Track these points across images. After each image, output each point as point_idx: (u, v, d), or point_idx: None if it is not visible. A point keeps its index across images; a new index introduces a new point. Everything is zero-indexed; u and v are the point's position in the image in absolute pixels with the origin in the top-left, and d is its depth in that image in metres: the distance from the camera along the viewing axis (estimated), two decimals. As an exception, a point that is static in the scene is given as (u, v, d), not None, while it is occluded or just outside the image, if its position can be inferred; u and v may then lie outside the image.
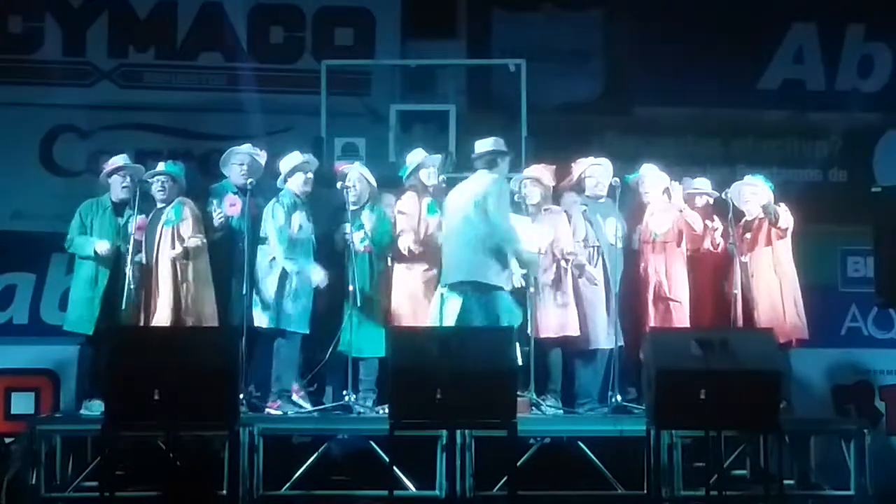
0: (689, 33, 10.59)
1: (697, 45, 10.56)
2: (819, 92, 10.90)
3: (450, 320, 8.49)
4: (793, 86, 10.90)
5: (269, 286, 8.79)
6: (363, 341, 8.74)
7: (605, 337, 8.89)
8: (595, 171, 9.11)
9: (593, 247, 8.99)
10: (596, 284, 8.94)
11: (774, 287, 8.90)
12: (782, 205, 8.94)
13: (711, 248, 9.10)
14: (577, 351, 8.93)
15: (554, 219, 8.97)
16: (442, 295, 8.72)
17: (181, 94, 10.59)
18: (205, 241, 8.78)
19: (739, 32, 10.58)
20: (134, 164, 8.98)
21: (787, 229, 8.91)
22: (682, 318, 8.88)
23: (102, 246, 8.68)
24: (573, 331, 8.86)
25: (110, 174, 8.89)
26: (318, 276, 8.79)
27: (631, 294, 9.00)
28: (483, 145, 8.69)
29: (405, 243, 8.82)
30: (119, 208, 8.83)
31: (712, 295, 9.08)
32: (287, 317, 8.75)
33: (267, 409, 8.64)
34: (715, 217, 9.15)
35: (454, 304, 8.51)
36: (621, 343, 8.84)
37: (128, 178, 8.84)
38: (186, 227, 8.73)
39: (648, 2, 10.68)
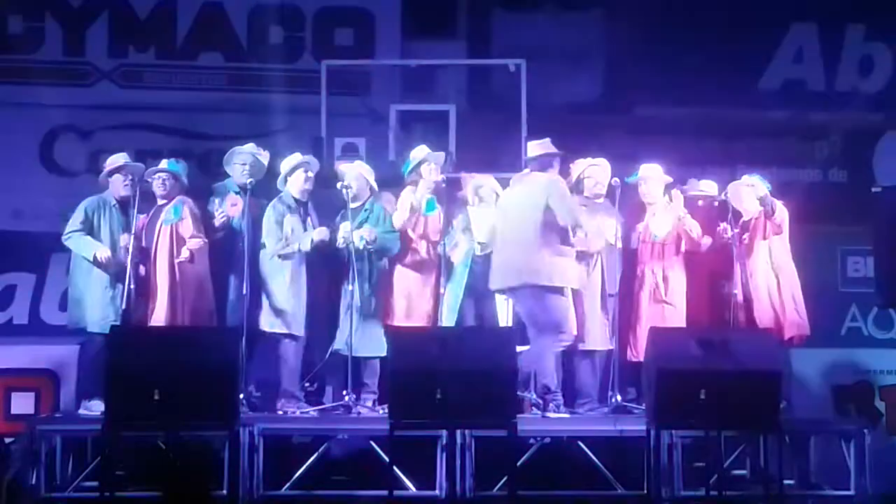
0: (689, 33, 10.59)
1: (697, 46, 10.55)
2: (819, 92, 10.89)
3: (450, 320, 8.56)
4: (793, 86, 10.89)
5: (269, 288, 8.79)
6: (362, 341, 8.73)
7: (602, 337, 8.89)
8: (594, 171, 9.10)
9: None
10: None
11: (773, 285, 8.89)
12: (776, 200, 8.93)
13: (714, 249, 9.09)
14: (575, 351, 8.92)
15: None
16: (442, 295, 8.74)
17: (181, 94, 10.58)
18: (206, 240, 8.78)
19: (739, 32, 10.58)
20: (134, 163, 8.98)
21: (781, 224, 8.89)
22: (676, 321, 8.86)
23: (104, 252, 8.65)
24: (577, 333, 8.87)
25: (111, 173, 8.89)
26: (321, 234, 8.79)
27: (627, 294, 9.00)
28: (538, 148, 8.69)
29: (402, 233, 8.87)
30: (122, 207, 8.82)
31: (711, 295, 9.07)
32: (288, 319, 8.75)
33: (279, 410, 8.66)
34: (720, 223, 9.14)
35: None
36: (617, 343, 8.84)
37: (128, 177, 8.83)
38: (185, 227, 8.73)
39: (648, 2, 10.67)
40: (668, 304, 8.90)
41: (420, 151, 9.04)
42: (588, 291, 8.88)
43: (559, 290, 8.45)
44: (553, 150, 8.68)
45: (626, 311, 8.98)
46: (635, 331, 8.86)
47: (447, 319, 8.74)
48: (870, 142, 10.84)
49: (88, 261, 8.68)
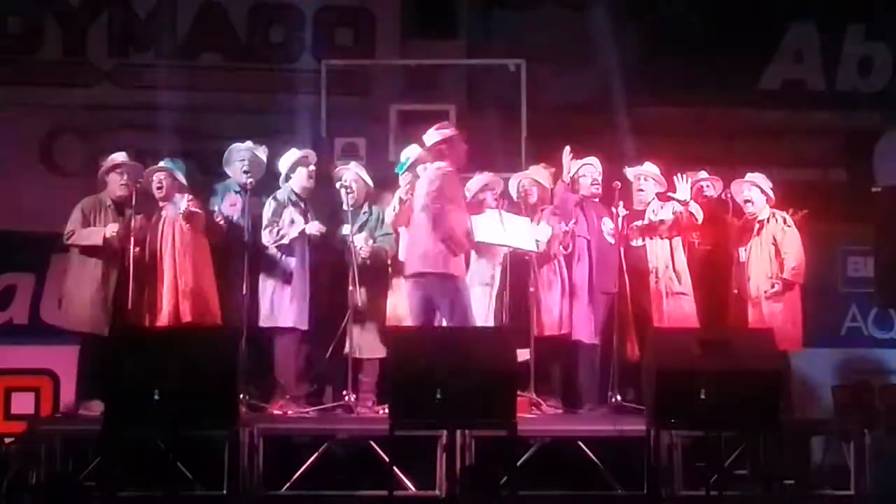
0: (689, 33, 10.59)
1: (697, 45, 10.55)
2: (819, 92, 10.90)
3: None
4: (793, 86, 10.90)
5: (268, 283, 8.80)
6: (363, 342, 8.75)
7: (587, 331, 8.89)
8: (588, 170, 9.13)
9: (585, 239, 8.98)
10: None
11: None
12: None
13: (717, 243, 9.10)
14: (574, 350, 8.92)
15: (551, 218, 8.98)
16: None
17: (181, 94, 10.57)
18: (202, 210, 8.76)
19: (739, 32, 10.58)
20: (132, 162, 8.97)
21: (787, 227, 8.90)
22: (690, 309, 8.85)
23: (111, 230, 8.60)
24: (570, 329, 8.87)
25: (108, 171, 8.88)
26: (314, 227, 8.79)
27: (635, 291, 8.98)
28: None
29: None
30: (119, 207, 8.82)
31: (710, 294, 9.07)
32: (286, 314, 8.75)
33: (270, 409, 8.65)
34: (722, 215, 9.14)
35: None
36: (615, 342, 8.86)
37: (125, 176, 8.82)
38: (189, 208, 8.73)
39: (648, 2, 10.67)
40: (683, 294, 8.90)
41: (412, 150, 9.03)
42: (583, 289, 8.89)
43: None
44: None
45: (636, 309, 8.95)
46: (648, 324, 8.82)
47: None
48: (870, 142, 10.84)
49: (98, 246, 8.58)
